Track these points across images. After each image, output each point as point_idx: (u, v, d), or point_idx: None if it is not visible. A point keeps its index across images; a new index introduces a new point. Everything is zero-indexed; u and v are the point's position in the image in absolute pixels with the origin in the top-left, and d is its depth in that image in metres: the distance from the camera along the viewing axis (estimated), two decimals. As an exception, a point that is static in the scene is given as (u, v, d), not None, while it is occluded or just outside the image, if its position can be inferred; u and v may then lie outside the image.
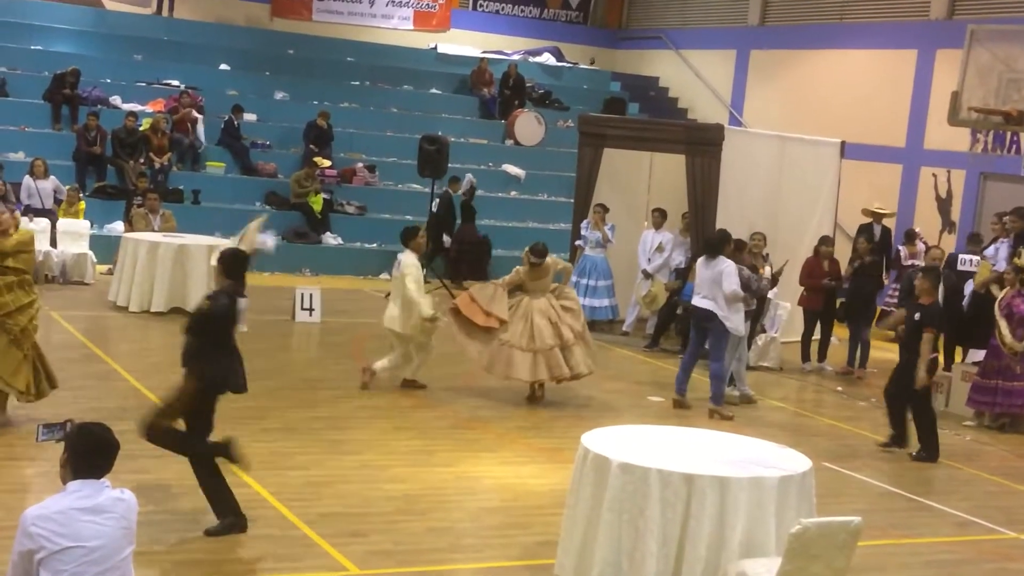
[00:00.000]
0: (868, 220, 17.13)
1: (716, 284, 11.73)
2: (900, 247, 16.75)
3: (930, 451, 10.91)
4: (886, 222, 17.32)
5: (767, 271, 13.50)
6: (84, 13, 23.52)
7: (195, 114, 20.69)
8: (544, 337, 11.49)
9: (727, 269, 11.75)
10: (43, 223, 16.75)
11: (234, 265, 7.83)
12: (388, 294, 13.17)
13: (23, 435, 8.78)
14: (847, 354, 15.07)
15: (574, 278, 16.19)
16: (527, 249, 11.88)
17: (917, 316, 10.81)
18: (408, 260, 11.66)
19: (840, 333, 15.84)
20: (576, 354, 11.63)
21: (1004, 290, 12.69)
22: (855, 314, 14.74)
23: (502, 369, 11.62)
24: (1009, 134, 14.75)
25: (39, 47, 22.05)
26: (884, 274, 16.27)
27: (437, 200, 19.36)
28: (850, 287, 14.80)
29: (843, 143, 17.28)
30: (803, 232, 16.22)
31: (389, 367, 11.83)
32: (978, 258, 14.55)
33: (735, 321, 11.86)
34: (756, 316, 13.42)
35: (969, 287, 14.04)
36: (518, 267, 11.96)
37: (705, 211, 15.35)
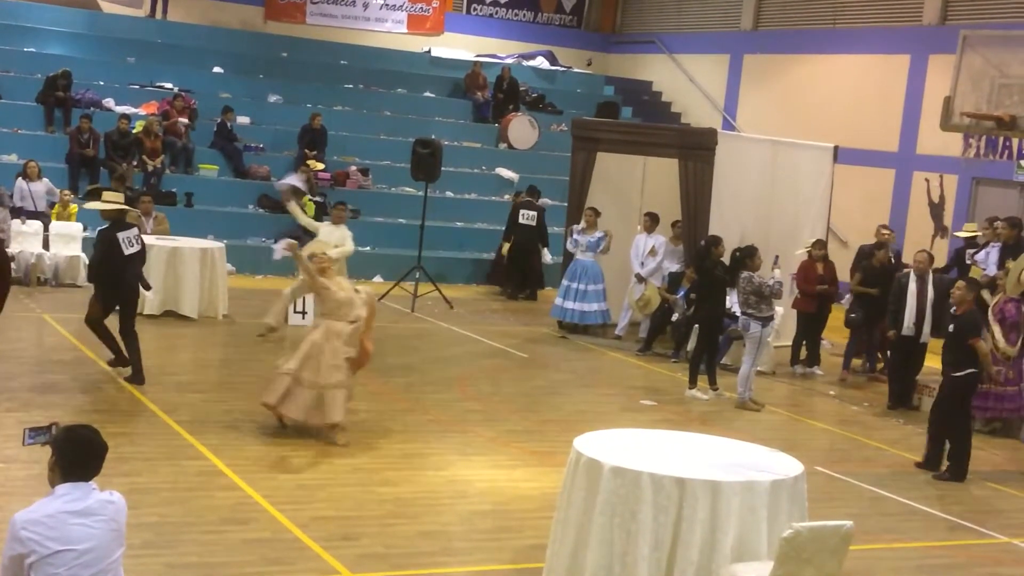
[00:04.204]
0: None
1: None
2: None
3: (958, 473, 10.58)
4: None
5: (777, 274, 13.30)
6: (77, 15, 23.49)
7: (179, 118, 20.64)
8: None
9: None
10: (36, 226, 16.73)
11: None
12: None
13: (9, 438, 8.75)
14: (844, 359, 14.90)
15: (565, 282, 16.19)
16: None
17: (952, 327, 10.67)
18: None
19: (839, 336, 15.88)
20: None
21: (997, 295, 12.70)
22: (872, 320, 14.51)
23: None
24: (1001, 139, 14.73)
25: (32, 49, 22.01)
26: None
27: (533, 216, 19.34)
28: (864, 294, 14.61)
29: (836, 148, 17.29)
30: (796, 237, 16.20)
31: None
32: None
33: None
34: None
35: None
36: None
37: (698, 215, 15.35)
